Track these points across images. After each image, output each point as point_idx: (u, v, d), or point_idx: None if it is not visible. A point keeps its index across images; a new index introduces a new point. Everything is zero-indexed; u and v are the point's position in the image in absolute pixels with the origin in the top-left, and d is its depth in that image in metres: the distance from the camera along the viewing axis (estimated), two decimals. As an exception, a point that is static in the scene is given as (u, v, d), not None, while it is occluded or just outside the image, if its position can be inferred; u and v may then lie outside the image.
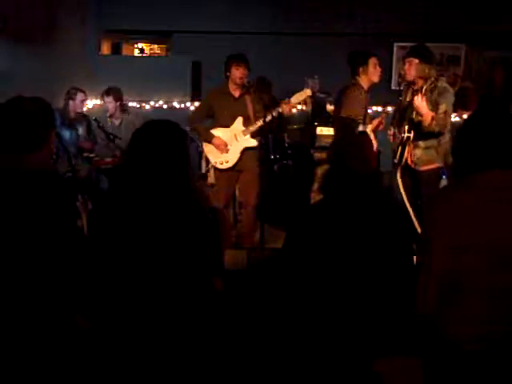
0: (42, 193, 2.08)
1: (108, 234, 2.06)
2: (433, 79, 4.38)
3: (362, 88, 4.95)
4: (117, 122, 5.88)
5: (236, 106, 4.86)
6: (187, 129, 5.98)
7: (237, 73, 4.77)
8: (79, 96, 5.88)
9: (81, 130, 5.94)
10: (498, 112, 2.02)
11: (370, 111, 5.32)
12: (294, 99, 4.86)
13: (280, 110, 4.74)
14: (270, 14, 7.71)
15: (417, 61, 4.38)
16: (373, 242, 2.21)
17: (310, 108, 6.93)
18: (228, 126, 4.90)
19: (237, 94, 4.87)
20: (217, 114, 4.94)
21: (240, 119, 4.86)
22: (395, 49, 7.78)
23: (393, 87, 7.34)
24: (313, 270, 2.25)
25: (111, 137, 5.52)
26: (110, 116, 5.87)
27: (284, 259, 2.36)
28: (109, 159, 5.54)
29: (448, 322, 1.93)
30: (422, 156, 4.44)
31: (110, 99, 5.83)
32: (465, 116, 5.25)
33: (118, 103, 5.86)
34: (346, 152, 2.36)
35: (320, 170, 5.60)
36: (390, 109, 6.70)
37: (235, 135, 4.89)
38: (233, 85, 4.85)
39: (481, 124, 2.01)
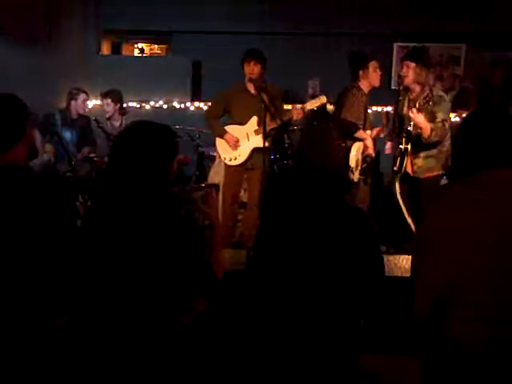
0: (11, 189, 2.05)
1: (91, 236, 2.09)
2: (428, 90, 4.41)
3: (362, 91, 4.95)
4: (116, 124, 5.85)
5: (253, 103, 4.81)
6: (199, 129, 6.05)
7: (247, 68, 4.80)
8: (81, 96, 5.87)
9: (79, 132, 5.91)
10: (495, 110, 2.02)
11: (369, 111, 5.32)
12: (309, 105, 4.86)
13: (291, 114, 4.79)
14: (270, 14, 7.70)
15: (413, 64, 4.41)
16: (336, 240, 2.18)
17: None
18: (243, 123, 4.90)
19: (253, 90, 4.83)
20: (233, 110, 4.93)
21: (255, 118, 4.84)
22: (395, 49, 7.77)
23: (393, 87, 7.33)
24: (278, 271, 2.25)
25: (111, 137, 5.52)
26: (109, 118, 5.84)
27: (253, 262, 2.38)
28: (109, 159, 5.52)
29: (447, 323, 1.93)
30: (423, 165, 4.52)
31: (108, 101, 5.78)
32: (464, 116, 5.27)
33: (118, 105, 5.83)
34: (307, 146, 2.34)
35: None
36: (389, 108, 6.70)
37: (247, 134, 4.89)
38: (247, 81, 4.85)
39: (478, 122, 2.01)
